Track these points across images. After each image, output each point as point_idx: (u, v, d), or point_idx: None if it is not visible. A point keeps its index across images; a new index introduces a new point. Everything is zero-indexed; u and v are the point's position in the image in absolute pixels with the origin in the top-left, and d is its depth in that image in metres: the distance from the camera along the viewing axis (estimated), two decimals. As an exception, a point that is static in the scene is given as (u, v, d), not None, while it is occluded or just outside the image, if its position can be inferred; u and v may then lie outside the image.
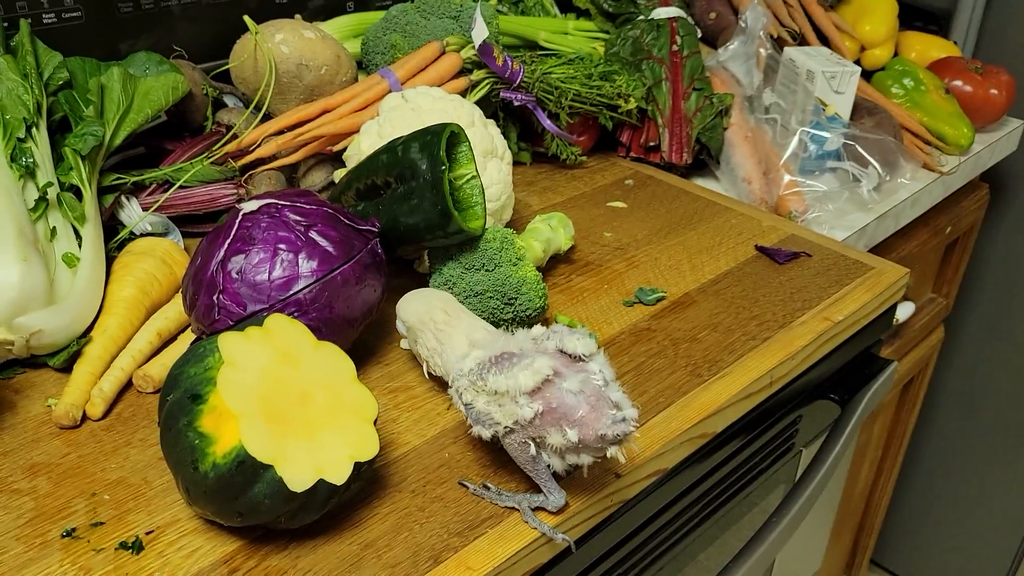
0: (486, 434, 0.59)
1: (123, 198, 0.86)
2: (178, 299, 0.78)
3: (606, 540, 0.69)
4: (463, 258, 0.75)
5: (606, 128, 1.13)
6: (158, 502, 0.61)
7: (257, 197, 0.71)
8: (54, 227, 0.75)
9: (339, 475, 0.55)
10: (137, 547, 0.57)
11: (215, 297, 0.66)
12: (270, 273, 0.66)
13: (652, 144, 1.13)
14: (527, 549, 0.60)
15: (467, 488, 0.63)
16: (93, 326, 0.74)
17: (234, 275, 0.66)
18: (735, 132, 1.14)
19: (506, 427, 0.57)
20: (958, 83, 1.31)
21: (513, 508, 0.62)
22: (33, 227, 0.73)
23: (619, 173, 1.13)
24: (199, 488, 0.54)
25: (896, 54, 1.38)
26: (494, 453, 0.67)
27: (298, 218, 0.69)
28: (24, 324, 0.69)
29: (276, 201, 0.70)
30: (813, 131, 1.08)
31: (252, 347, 0.57)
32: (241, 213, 0.69)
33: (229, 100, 1.04)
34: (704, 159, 1.16)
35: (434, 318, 0.66)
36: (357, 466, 0.56)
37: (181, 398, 0.54)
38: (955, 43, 1.47)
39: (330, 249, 0.68)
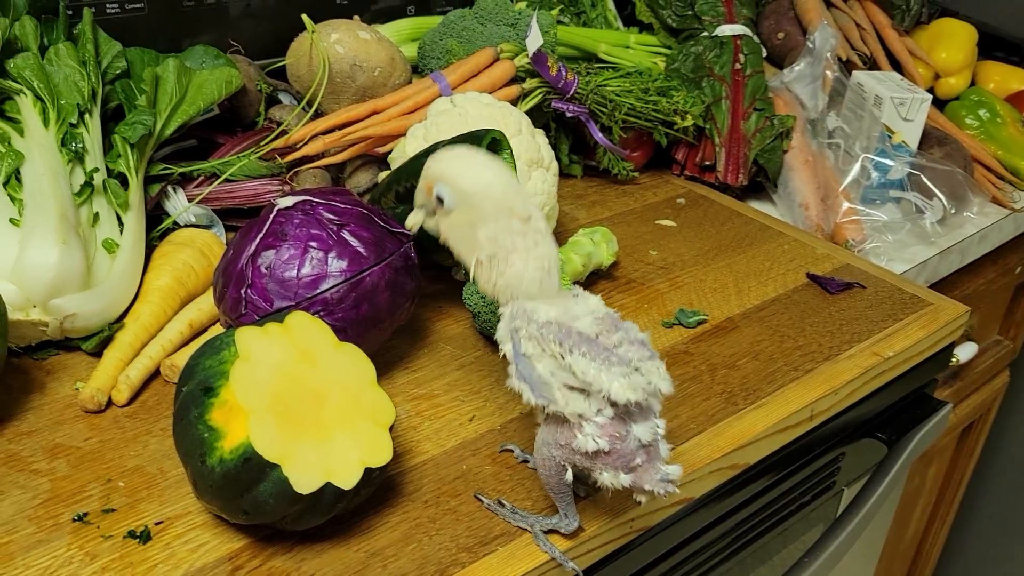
0: (528, 398, 0.53)
1: (169, 188, 0.86)
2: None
3: (623, 568, 0.66)
4: (498, 267, 0.74)
5: (661, 145, 1.11)
6: (171, 493, 0.61)
7: (294, 193, 0.70)
8: (97, 212, 0.76)
9: (348, 479, 0.54)
10: (145, 537, 0.57)
11: (243, 291, 0.65)
12: (299, 270, 0.65)
13: (708, 163, 1.11)
14: (536, 571, 0.58)
15: (482, 502, 0.62)
16: (127, 312, 0.75)
17: (263, 270, 0.66)
18: (795, 155, 1.10)
19: (556, 411, 0.53)
20: (1038, 117, 1.25)
21: (526, 528, 0.60)
22: (76, 211, 0.74)
23: (671, 191, 1.10)
24: (206, 482, 0.53)
25: (973, 84, 1.33)
26: (512, 469, 0.65)
27: (332, 216, 0.68)
28: (59, 306, 0.70)
29: (311, 198, 0.69)
30: (877, 158, 1.04)
31: (270, 343, 0.56)
32: (276, 208, 0.68)
33: (283, 97, 1.04)
34: (761, 181, 1.13)
35: (514, 210, 0.54)
36: (368, 472, 0.55)
37: (194, 390, 0.53)
38: (1037, 75, 1.40)
39: (361, 250, 0.67)
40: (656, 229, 1.01)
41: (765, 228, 1.02)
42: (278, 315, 0.59)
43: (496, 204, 0.54)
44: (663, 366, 0.54)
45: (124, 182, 0.80)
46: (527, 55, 0.95)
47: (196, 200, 0.86)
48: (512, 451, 0.66)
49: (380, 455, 0.57)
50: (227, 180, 0.88)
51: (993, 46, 1.42)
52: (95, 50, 0.86)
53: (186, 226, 0.87)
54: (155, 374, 0.72)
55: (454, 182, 0.55)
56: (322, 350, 0.59)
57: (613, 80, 1.01)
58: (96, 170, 0.77)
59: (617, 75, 1.03)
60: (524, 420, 0.70)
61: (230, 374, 0.53)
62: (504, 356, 0.55)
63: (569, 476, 0.55)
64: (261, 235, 0.67)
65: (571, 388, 0.52)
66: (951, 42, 1.28)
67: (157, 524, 0.58)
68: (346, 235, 0.67)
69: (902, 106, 1.09)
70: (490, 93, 0.93)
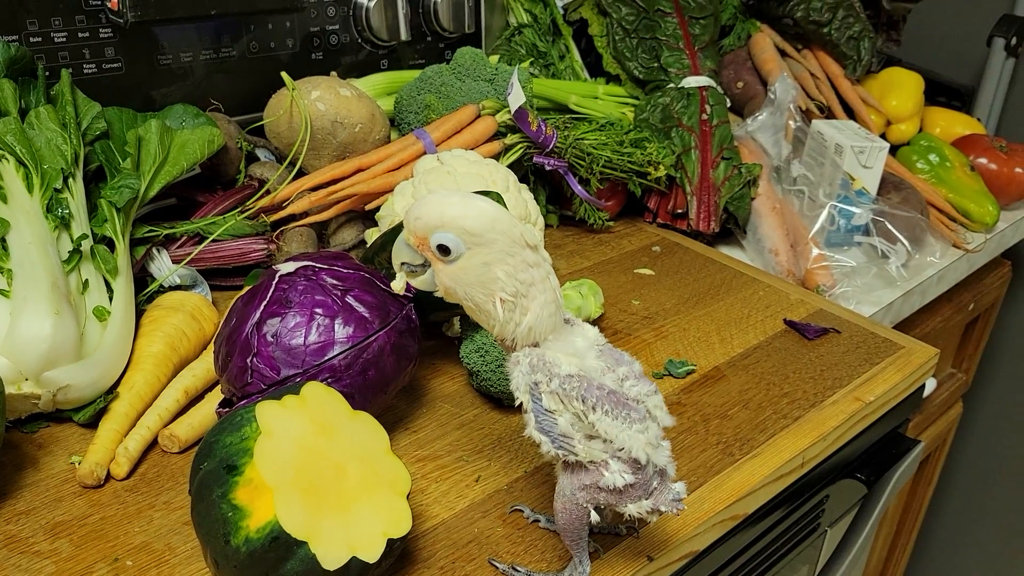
0: (548, 449, 0.53)
1: (154, 250, 0.85)
2: (206, 356, 0.77)
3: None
4: (496, 326, 0.74)
5: (633, 194, 1.13)
6: (182, 570, 0.60)
7: (294, 258, 0.70)
8: (87, 279, 0.75)
9: (372, 552, 0.54)
10: (160, 618, 0.56)
11: (249, 360, 0.65)
12: (306, 338, 0.65)
13: (680, 211, 1.13)
14: (558, 634, 0.58)
15: (496, 567, 0.62)
16: (120, 381, 0.73)
17: (269, 338, 0.65)
18: (763, 202, 1.14)
19: (576, 460, 0.53)
20: (983, 160, 1.31)
21: (544, 590, 0.60)
22: (66, 279, 0.73)
23: (646, 239, 1.13)
24: (230, 562, 0.52)
25: (920, 130, 1.39)
26: (523, 530, 0.65)
27: (335, 282, 0.68)
28: (52, 378, 0.68)
29: (313, 264, 0.69)
30: (842, 205, 1.08)
31: (289, 416, 0.56)
32: (278, 275, 0.68)
33: (261, 154, 1.04)
34: (731, 228, 1.16)
35: (525, 239, 0.51)
36: (390, 542, 0.55)
37: (216, 468, 0.53)
38: (979, 120, 1.47)
39: (366, 315, 0.67)
40: (635, 278, 1.03)
41: (739, 275, 1.05)
42: (293, 386, 0.59)
43: (509, 236, 0.51)
44: (662, 399, 0.56)
45: (111, 246, 0.79)
46: (508, 111, 0.97)
47: (184, 262, 0.85)
48: (522, 511, 0.66)
49: (401, 525, 0.56)
50: (212, 240, 0.88)
51: (937, 92, 1.49)
52: (75, 111, 0.85)
53: (170, 288, 0.86)
54: (152, 444, 0.70)
55: (459, 225, 0.50)
56: (338, 420, 0.59)
57: (590, 133, 1.04)
58: (84, 236, 0.76)
59: (592, 128, 1.06)
60: (530, 479, 0.70)
61: (254, 451, 0.53)
62: (520, 405, 0.54)
63: (595, 516, 0.55)
64: (265, 303, 0.66)
65: (591, 437, 0.53)
66: (900, 90, 1.34)
67: (171, 604, 0.57)
68: (351, 300, 0.67)
69: (862, 154, 1.13)
70: (473, 149, 0.94)
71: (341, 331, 0.66)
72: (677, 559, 0.67)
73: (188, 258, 0.86)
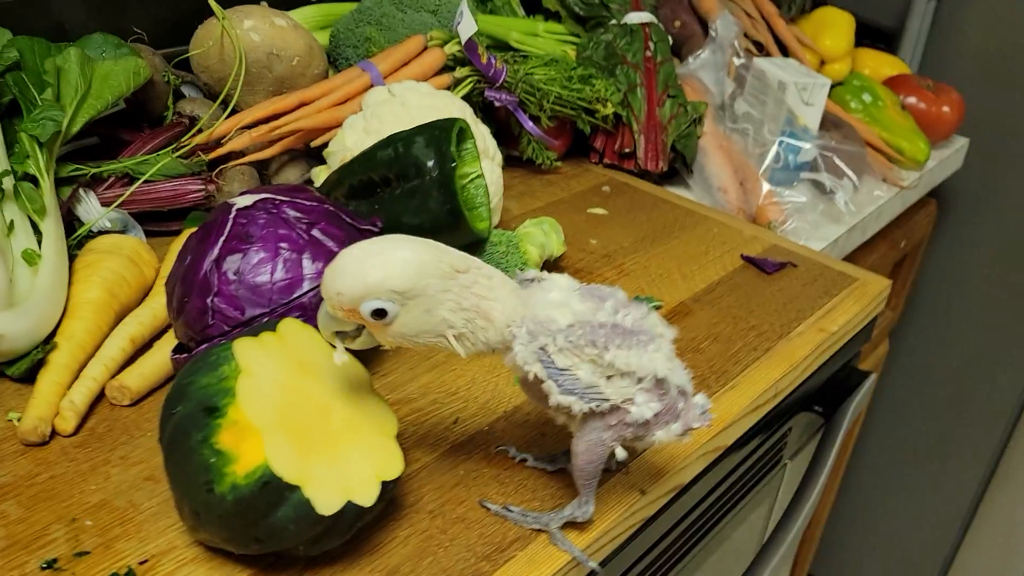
0: (579, 407, 0.51)
1: (80, 192, 0.78)
2: (151, 303, 0.71)
3: (626, 559, 0.65)
4: (467, 262, 0.71)
5: (578, 134, 1.10)
6: (149, 527, 0.55)
7: (250, 192, 0.65)
8: (11, 220, 0.68)
9: (367, 496, 0.50)
10: (131, 580, 0.51)
11: (209, 300, 0.60)
12: (272, 274, 0.60)
13: (627, 151, 1.11)
14: (558, 573, 0.56)
15: (489, 509, 0.59)
16: (56, 331, 0.67)
17: (231, 276, 0.60)
18: (709, 141, 1.13)
19: (611, 405, 0.51)
20: (912, 100, 1.34)
21: (541, 529, 0.58)
22: (-11, 220, 0.66)
23: (594, 180, 1.10)
24: (213, 512, 0.48)
25: (852, 71, 1.40)
26: (511, 470, 0.62)
27: (298, 215, 0.63)
28: (-18, 328, 0.61)
29: (273, 196, 0.64)
30: (789, 141, 1.08)
31: (267, 355, 0.51)
32: (235, 208, 0.63)
33: (187, 90, 0.97)
34: (677, 167, 1.15)
35: (454, 266, 0.48)
36: (384, 485, 0.51)
37: (193, 411, 0.48)
38: (904, 60, 1.50)
39: (335, 249, 0.62)
40: (589, 218, 1.00)
41: (691, 212, 1.04)
42: (268, 323, 0.54)
43: (439, 274, 0.47)
44: (657, 316, 0.54)
45: (35, 185, 0.72)
46: (458, 43, 0.92)
47: (116, 203, 0.78)
48: (507, 451, 0.63)
49: (393, 466, 0.53)
50: (144, 181, 0.81)
51: (863, 34, 1.50)
52: (-17, 39, 0.77)
53: (99, 233, 0.79)
54: (98, 398, 0.64)
55: (387, 288, 0.46)
56: (318, 359, 0.54)
57: (538, 69, 1.00)
58: (6, 173, 0.69)
59: (540, 64, 1.02)
60: (511, 418, 0.67)
61: (236, 391, 0.48)
62: (534, 376, 0.51)
63: (621, 453, 0.53)
64: (223, 238, 0.61)
65: (611, 377, 0.51)
66: (834, 29, 1.34)
67: (142, 563, 0.52)
68: (317, 234, 0.63)
69: (804, 91, 1.13)
70: (422, 82, 0.89)
71: (310, 267, 0.61)
72: (666, 492, 0.65)
73: (120, 200, 0.79)
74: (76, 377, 0.64)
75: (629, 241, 0.96)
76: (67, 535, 0.53)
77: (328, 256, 0.62)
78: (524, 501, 0.60)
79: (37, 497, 0.56)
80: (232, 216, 0.62)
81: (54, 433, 0.61)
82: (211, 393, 0.48)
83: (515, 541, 0.57)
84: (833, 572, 2.04)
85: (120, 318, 0.70)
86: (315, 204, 0.64)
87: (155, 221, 0.84)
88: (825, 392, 0.94)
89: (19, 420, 0.61)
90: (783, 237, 1.01)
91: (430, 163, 0.67)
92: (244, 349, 0.50)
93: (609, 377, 0.50)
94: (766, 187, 1.05)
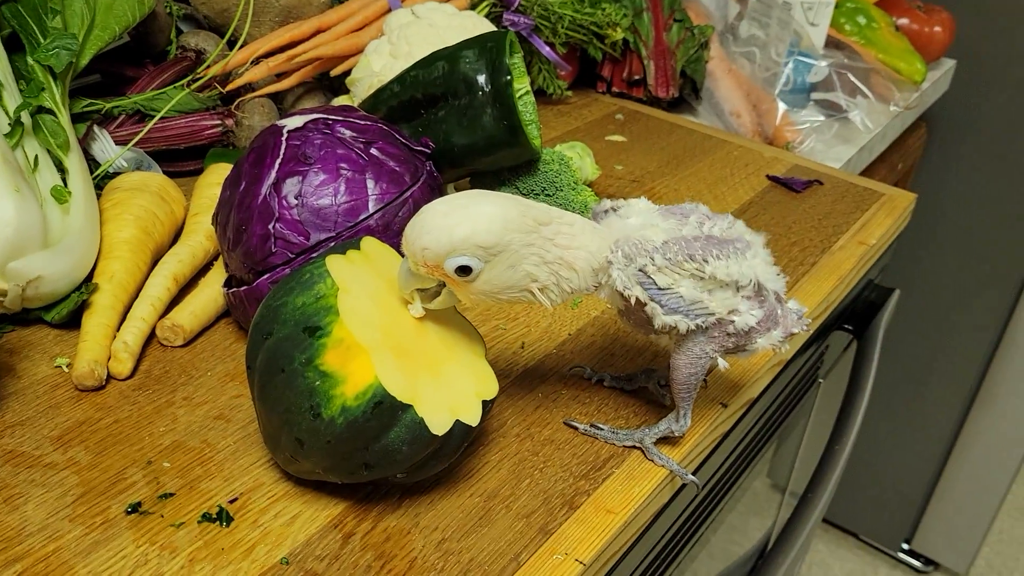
0: (686, 325, 0.49)
1: (95, 130, 0.73)
2: (187, 240, 0.67)
3: (705, 473, 0.64)
4: (520, 183, 0.68)
5: (584, 65, 1.07)
6: (230, 466, 0.52)
7: (297, 113, 0.61)
8: (36, 156, 0.63)
9: (472, 415, 0.48)
10: (225, 518, 0.48)
11: (271, 226, 0.56)
12: (335, 196, 0.57)
13: (636, 78, 1.09)
14: (658, 488, 0.54)
15: (576, 429, 0.57)
16: (93, 273, 0.62)
17: (292, 199, 0.56)
18: (717, 65, 1.11)
19: (718, 318, 0.49)
20: (904, 20, 1.33)
21: (634, 446, 0.56)
22: (15, 156, 0.61)
23: (605, 108, 1.08)
24: (319, 439, 0.45)
25: (842, -7, 1.39)
26: (588, 391, 0.60)
27: (354, 134, 0.59)
28: (20, 269, 0.57)
29: (324, 116, 0.60)
30: (803, 59, 1.06)
31: (359, 272, 0.48)
32: (286, 130, 0.59)
33: (184, 25, 0.91)
34: (684, 95, 1.13)
35: (537, 222, 0.47)
36: (484, 404, 0.49)
37: (293, 333, 0.45)
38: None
39: (397, 169, 0.59)
40: (608, 145, 0.98)
41: (708, 137, 1.02)
42: (352, 241, 0.51)
43: (523, 228, 0.46)
44: (743, 223, 0.53)
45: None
46: (474, -37, 0.88)
47: (134, 141, 0.73)
48: (583, 371, 0.62)
49: (490, 386, 0.50)
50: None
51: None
52: (-24, -34, 0.71)
53: (116, 174, 0.74)
54: (149, 338, 0.61)
55: (473, 243, 0.45)
56: (403, 278, 0.51)
57: (550, -9, 0.96)
58: (24, 105, 0.64)
59: (550, -14, 0.98)
60: (577, 340, 0.66)
61: (338, 308, 0.45)
62: (636, 301, 0.49)
63: (723, 364, 0.52)
64: (280, 160, 0.57)
65: (712, 290, 0.49)
66: (826, -48, 1.33)
67: (232, 502, 0.49)
68: (376, 152, 0.59)
69: (810, 11, 1.12)
70: (446, 2, 0.85)
71: (373, 187, 0.58)
72: (741, 406, 0.64)
73: (137, 137, 0.74)
74: (122, 319, 0.60)
75: (654, 166, 0.94)
76: (146, 478, 0.50)
77: (390, 176, 0.58)
78: (608, 420, 0.58)
79: (105, 442, 0.52)
80: (284, 138, 0.59)
81: (109, 377, 0.57)
82: (310, 312, 0.45)
83: (609, 459, 0.55)
84: (820, 500, 2.07)
85: (156, 258, 0.66)
86: (370, 123, 0.61)
87: (170, 160, 0.79)
88: (854, 310, 0.94)
89: (68, 366, 0.57)
90: (804, 157, 1.00)
91: (481, 78, 0.64)
92: (338, 266, 0.47)
93: (711, 290, 0.49)
94: (782, 108, 1.03)
